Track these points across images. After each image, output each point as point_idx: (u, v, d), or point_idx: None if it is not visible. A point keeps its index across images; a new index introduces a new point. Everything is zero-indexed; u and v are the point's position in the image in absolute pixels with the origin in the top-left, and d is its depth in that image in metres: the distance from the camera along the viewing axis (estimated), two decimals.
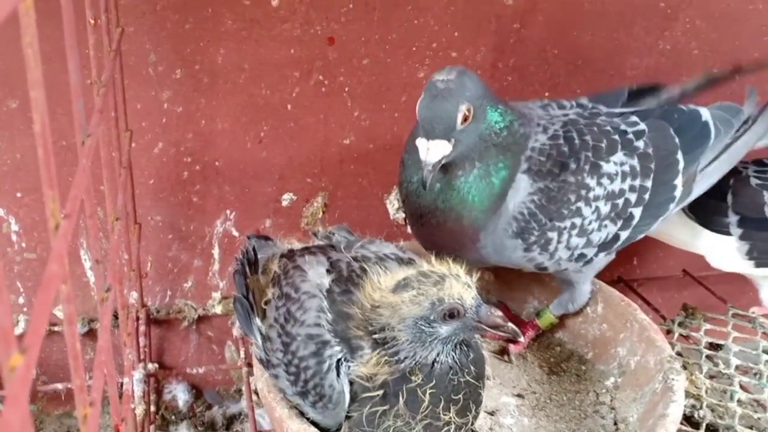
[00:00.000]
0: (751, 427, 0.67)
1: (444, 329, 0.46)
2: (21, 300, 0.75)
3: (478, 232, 0.60)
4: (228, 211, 0.77)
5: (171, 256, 0.77)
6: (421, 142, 0.55)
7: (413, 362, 0.47)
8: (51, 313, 0.39)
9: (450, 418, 0.48)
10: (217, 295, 0.81)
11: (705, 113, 0.65)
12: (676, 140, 0.63)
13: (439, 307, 0.46)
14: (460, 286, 0.46)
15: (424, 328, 0.46)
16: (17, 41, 0.24)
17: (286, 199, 0.78)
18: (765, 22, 0.82)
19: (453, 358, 0.48)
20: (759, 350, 0.75)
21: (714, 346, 0.76)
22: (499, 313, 0.47)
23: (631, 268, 0.91)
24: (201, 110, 0.72)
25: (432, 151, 0.54)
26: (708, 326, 0.78)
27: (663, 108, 0.66)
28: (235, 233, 0.78)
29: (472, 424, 0.50)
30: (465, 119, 0.55)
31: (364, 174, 0.79)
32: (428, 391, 0.47)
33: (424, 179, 0.55)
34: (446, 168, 0.57)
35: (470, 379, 0.48)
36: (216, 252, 0.79)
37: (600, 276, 0.80)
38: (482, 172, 0.58)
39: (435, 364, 0.47)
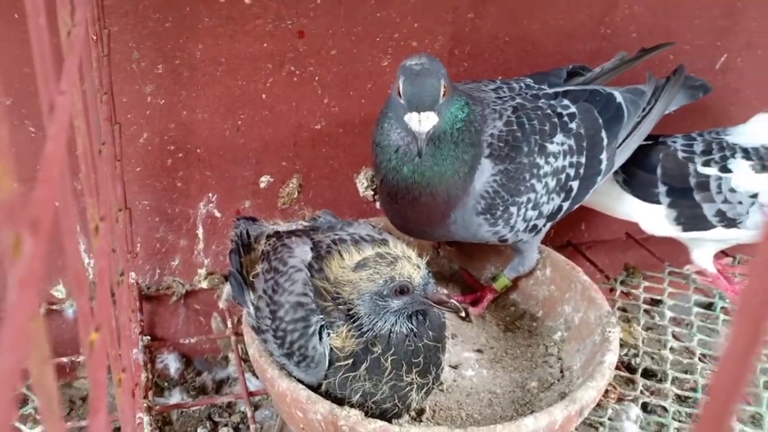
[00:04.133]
0: (683, 371, 0.77)
1: (395, 303, 0.54)
2: None
3: (450, 208, 0.68)
4: (210, 194, 0.83)
5: (159, 237, 0.84)
6: (411, 116, 0.61)
7: (373, 334, 0.55)
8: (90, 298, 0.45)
9: (412, 378, 0.56)
10: (202, 271, 0.87)
11: (618, 96, 0.74)
12: (600, 121, 0.72)
13: (390, 284, 0.53)
14: (411, 267, 0.54)
15: (378, 302, 0.54)
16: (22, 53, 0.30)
17: (264, 181, 0.85)
18: (696, 7, 0.90)
19: (408, 327, 0.55)
20: (690, 303, 0.85)
21: (652, 302, 0.86)
22: (445, 291, 0.55)
23: (580, 233, 1.00)
24: (182, 102, 0.78)
25: (423, 122, 0.61)
26: (647, 284, 0.88)
27: (587, 91, 0.74)
28: (218, 214, 0.85)
29: (434, 382, 0.59)
30: (444, 94, 0.62)
31: (335, 156, 0.86)
32: (389, 358, 0.55)
33: (420, 148, 0.61)
34: (424, 149, 0.64)
35: (429, 343, 0.56)
36: (200, 232, 0.85)
37: (551, 240, 0.89)
38: (454, 153, 0.65)
39: (391, 334, 0.55)
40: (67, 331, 0.83)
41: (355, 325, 0.55)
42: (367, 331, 0.55)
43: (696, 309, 0.83)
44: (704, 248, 0.83)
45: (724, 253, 0.92)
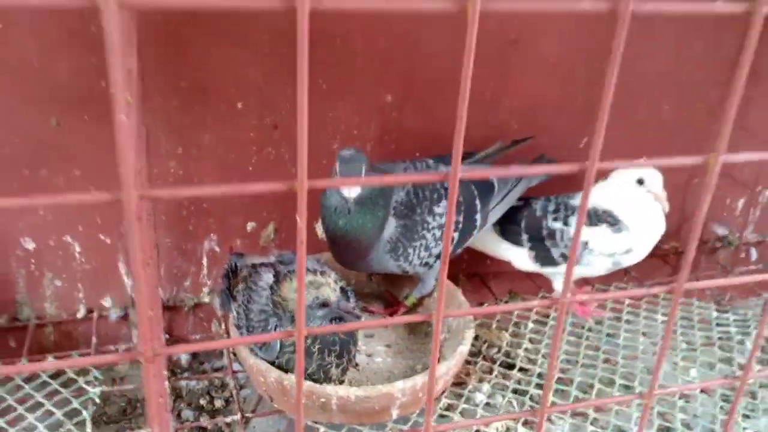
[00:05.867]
0: (530, 364, 1.10)
1: (320, 313, 0.88)
2: (81, 295, 1.16)
3: (369, 250, 1.01)
4: (212, 235, 1.18)
5: (176, 265, 1.19)
6: (346, 190, 0.95)
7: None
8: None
9: (332, 359, 0.90)
10: (206, 290, 1.22)
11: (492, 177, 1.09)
12: (475, 192, 1.06)
13: (316, 301, 0.88)
14: (330, 290, 0.88)
15: (309, 312, 0.88)
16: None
17: (249, 226, 1.19)
18: (562, 103, 1.25)
19: None
20: (549, 318, 1.19)
21: (520, 316, 1.20)
22: (351, 305, 0.89)
23: (485, 266, 1.34)
24: (194, 172, 1.13)
25: (351, 191, 0.92)
26: (521, 303, 1.22)
27: (470, 166, 1.09)
28: (217, 249, 1.20)
29: (348, 363, 0.92)
30: (364, 173, 0.96)
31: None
32: (317, 346, 0.88)
33: (349, 207, 0.94)
34: (352, 208, 0.98)
35: (343, 338, 0.91)
36: (204, 262, 1.20)
37: (464, 271, 1.22)
38: (372, 212, 1.00)
39: None
40: (111, 329, 1.18)
41: (294, 325, 0.90)
42: None
43: (551, 322, 1.17)
44: (559, 279, 1.17)
45: (585, 282, 1.25)
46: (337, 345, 0.90)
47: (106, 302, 1.18)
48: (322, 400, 0.86)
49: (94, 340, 1.13)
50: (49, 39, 0.98)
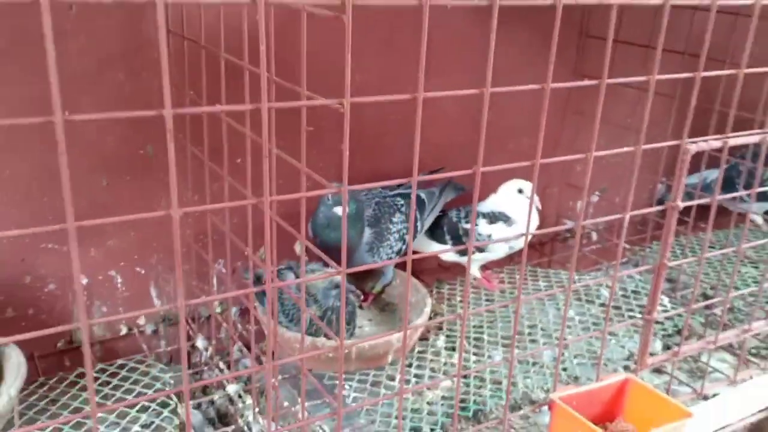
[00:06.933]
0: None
1: (333, 292, 1.29)
2: (121, 310, 1.48)
3: (353, 252, 1.45)
4: (220, 260, 1.55)
5: (193, 284, 1.54)
6: (336, 208, 1.38)
7: (327, 306, 1.32)
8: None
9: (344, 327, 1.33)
10: (216, 303, 1.58)
11: (422, 194, 1.57)
12: (416, 207, 1.54)
13: (331, 284, 1.30)
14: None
15: (326, 292, 1.31)
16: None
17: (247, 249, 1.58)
18: (456, 146, 1.76)
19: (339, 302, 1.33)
20: (469, 293, 1.68)
21: (450, 294, 1.69)
22: (353, 287, 1.33)
23: (416, 263, 1.81)
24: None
25: (339, 210, 1.38)
26: (448, 287, 1.70)
27: (408, 191, 1.57)
28: (224, 270, 1.57)
29: (353, 327, 1.35)
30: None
31: (285, 234, 1.62)
32: (334, 317, 1.31)
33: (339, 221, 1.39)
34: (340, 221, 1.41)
35: (351, 310, 1.33)
36: (214, 281, 1.56)
37: (401, 267, 1.69)
38: (354, 227, 1.43)
39: (333, 305, 1.32)
40: (146, 341, 1.51)
41: (317, 305, 1.32)
42: (324, 307, 1.32)
43: (473, 296, 1.66)
44: (474, 265, 1.67)
45: (485, 267, 1.77)
46: (348, 315, 1.33)
47: (141, 320, 1.51)
48: (346, 351, 1.28)
49: (144, 346, 1.46)
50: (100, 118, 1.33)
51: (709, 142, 1.05)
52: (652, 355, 1.16)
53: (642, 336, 1.11)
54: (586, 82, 0.94)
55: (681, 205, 1.04)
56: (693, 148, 1.03)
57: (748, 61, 1.03)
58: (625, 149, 1.00)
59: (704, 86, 1.02)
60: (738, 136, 1.08)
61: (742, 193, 1.19)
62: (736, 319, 1.61)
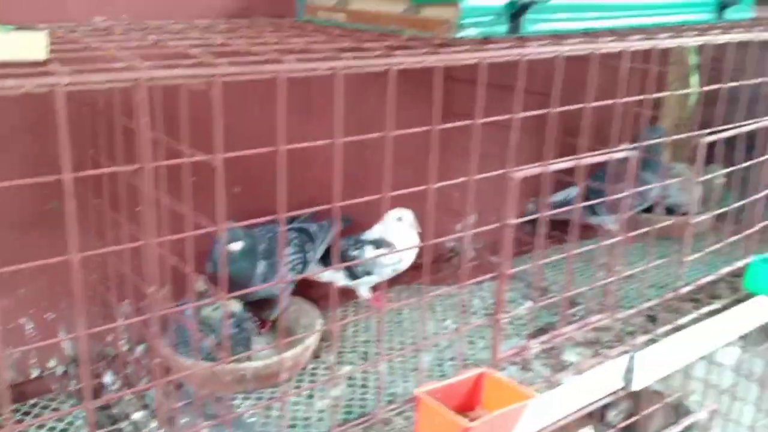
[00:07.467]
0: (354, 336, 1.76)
1: (229, 321, 1.46)
2: (33, 361, 1.57)
3: (248, 282, 1.60)
4: (127, 300, 1.67)
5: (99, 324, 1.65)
6: (230, 245, 1.53)
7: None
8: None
9: (240, 349, 1.48)
10: (122, 341, 1.69)
11: (313, 226, 1.75)
12: (306, 238, 1.71)
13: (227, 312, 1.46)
14: (235, 305, 1.47)
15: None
16: None
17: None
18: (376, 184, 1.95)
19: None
20: (362, 312, 1.87)
21: (343, 317, 1.86)
22: (248, 315, 1.49)
23: (311, 290, 1.98)
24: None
25: (236, 246, 1.53)
26: (342, 309, 1.88)
27: (302, 227, 1.75)
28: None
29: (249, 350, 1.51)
30: (241, 238, 1.55)
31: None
32: (230, 342, 1.46)
33: (234, 257, 1.54)
34: (236, 258, 1.56)
35: (246, 336, 1.49)
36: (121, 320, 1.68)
37: (312, 292, 1.86)
38: (248, 260, 1.59)
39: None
40: (56, 381, 1.60)
41: (215, 333, 1.47)
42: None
43: (362, 314, 1.85)
44: (363, 287, 1.86)
45: (374, 288, 1.96)
46: (243, 341, 1.49)
47: (52, 363, 1.60)
48: (242, 373, 1.43)
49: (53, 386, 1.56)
50: None
51: (532, 170, 1.28)
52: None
53: (492, 335, 1.32)
54: (465, 122, 1.22)
55: (512, 222, 1.27)
56: (518, 175, 1.26)
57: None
58: (461, 179, 1.22)
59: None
60: (557, 162, 1.32)
61: (570, 207, 1.43)
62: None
